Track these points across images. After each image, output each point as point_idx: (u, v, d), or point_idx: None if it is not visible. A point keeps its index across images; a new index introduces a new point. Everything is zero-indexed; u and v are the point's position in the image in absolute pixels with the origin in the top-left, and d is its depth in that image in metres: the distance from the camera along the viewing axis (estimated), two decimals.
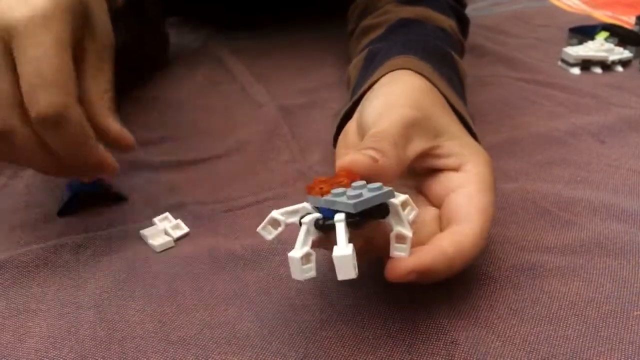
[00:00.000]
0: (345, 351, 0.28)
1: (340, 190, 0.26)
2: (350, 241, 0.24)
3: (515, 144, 0.46)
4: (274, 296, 0.32)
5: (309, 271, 0.25)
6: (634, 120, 0.47)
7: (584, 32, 0.66)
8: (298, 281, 0.32)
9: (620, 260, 0.32)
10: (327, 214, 0.26)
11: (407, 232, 0.26)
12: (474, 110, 0.51)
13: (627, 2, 0.83)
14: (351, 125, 0.37)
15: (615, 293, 0.30)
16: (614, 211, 0.36)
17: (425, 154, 0.32)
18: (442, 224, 0.30)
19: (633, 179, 0.40)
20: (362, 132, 0.34)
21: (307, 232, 0.25)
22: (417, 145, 0.31)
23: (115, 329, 0.30)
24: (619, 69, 0.60)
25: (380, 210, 0.26)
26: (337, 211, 0.25)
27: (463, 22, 0.54)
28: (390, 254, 0.26)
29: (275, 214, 0.27)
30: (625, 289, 0.30)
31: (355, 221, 0.25)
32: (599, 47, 0.60)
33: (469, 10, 0.61)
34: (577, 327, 0.28)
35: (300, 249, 0.25)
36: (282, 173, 0.44)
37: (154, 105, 0.58)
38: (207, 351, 0.29)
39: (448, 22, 0.49)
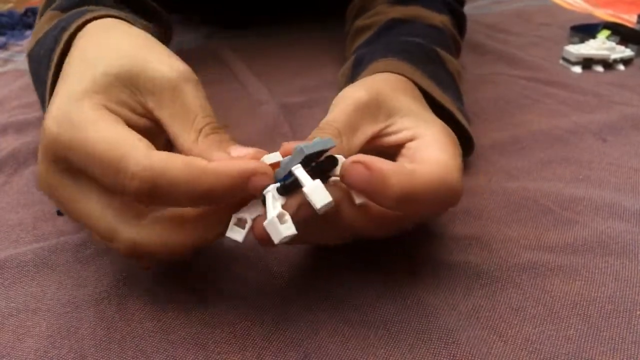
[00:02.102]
0: (346, 351, 0.28)
1: (287, 158, 0.27)
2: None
3: (517, 142, 0.46)
4: (274, 295, 0.31)
5: (288, 229, 0.25)
6: (635, 119, 0.47)
7: (586, 30, 0.66)
8: (298, 281, 0.32)
9: (623, 259, 0.32)
10: (285, 178, 0.26)
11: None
12: (475, 109, 0.51)
13: (629, 1, 0.82)
14: None
15: (618, 292, 0.30)
16: (615, 210, 0.36)
17: (378, 135, 0.31)
18: None
19: (635, 178, 0.39)
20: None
21: (273, 198, 0.26)
22: (367, 129, 0.31)
23: (115, 329, 0.30)
24: (621, 67, 0.59)
25: (329, 162, 0.27)
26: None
27: (458, 18, 0.54)
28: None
29: (237, 214, 0.27)
30: (627, 289, 0.30)
31: (311, 168, 0.26)
32: (600, 46, 0.60)
33: (470, 9, 0.60)
34: (579, 327, 0.28)
35: (272, 213, 0.25)
36: None
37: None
38: (207, 351, 0.28)
39: (440, 19, 0.48)
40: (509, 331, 0.28)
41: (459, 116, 0.38)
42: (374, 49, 0.43)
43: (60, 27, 0.36)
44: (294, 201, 0.26)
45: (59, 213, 0.40)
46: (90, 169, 0.26)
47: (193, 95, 0.29)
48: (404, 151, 0.31)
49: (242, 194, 0.26)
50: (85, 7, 0.39)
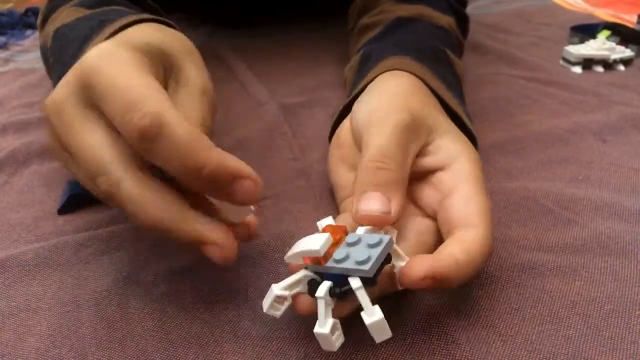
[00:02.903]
0: (346, 350, 0.28)
1: (342, 254, 0.25)
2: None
3: (517, 142, 0.46)
4: None
5: (339, 339, 0.25)
6: (635, 119, 0.47)
7: (586, 30, 0.66)
8: None
9: (622, 259, 0.32)
10: (336, 279, 0.25)
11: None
12: (475, 109, 0.51)
13: (629, 1, 0.82)
14: (344, 126, 0.37)
15: (617, 292, 0.30)
16: (615, 210, 0.36)
17: (416, 154, 0.32)
18: (442, 231, 0.30)
19: (635, 178, 0.40)
20: (355, 135, 0.34)
21: (326, 303, 0.25)
22: (413, 152, 0.31)
23: (116, 328, 0.30)
24: (621, 67, 0.59)
25: (386, 259, 0.26)
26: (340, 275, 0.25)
27: (462, 20, 0.54)
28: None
29: (278, 289, 0.27)
30: (627, 289, 0.30)
31: (371, 280, 0.25)
32: (600, 46, 0.60)
33: (471, 9, 0.60)
34: (579, 327, 0.28)
35: (325, 323, 0.25)
36: (283, 171, 0.44)
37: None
38: (207, 350, 0.28)
39: (446, 20, 0.49)
40: (509, 331, 0.28)
41: (466, 119, 0.38)
42: (383, 46, 0.43)
43: (99, 19, 0.38)
44: (347, 309, 0.27)
45: (60, 212, 0.40)
46: (109, 102, 0.26)
47: (206, 108, 0.31)
48: (432, 179, 0.32)
49: (226, 190, 0.26)
50: (120, 9, 0.42)
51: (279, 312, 0.27)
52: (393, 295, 0.30)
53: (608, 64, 0.59)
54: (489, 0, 0.86)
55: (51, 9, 0.47)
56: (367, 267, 0.24)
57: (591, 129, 0.46)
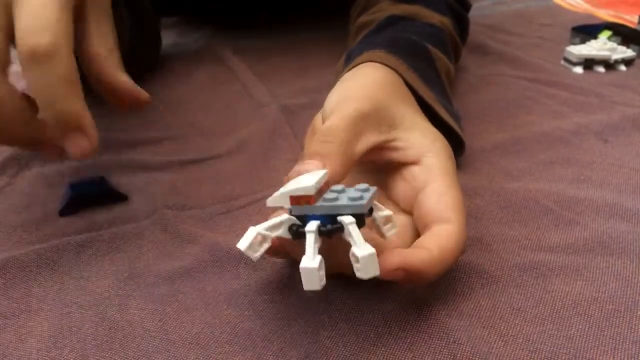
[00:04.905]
0: (346, 350, 0.28)
1: (332, 195, 0.26)
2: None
3: (518, 142, 0.46)
4: (275, 295, 0.32)
5: (323, 278, 0.24)
6: (637, 119, 0.47)
7: (587, 31, 0.66)
8: (299, 281, 0.32)
9: (624, 259, 0.32)
10: (323, 220, 0.25)
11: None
12: (476, 109, 0.51)
13: (630, 1, 0.82)
14: (317, 116, 0.37)
15: (619, 292, 0.30)
16: (617, 210, 0.36)
17: (382, 147, 0.32)
18: (419, 227, 0.30)
19: (636, 178, 0.39)
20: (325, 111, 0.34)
21: (314, 239, 0.25)
22: (369, 139, 0.31)
23: (117, 329, 0.30)
24: (622, 68, 0.59)
25: (369, 210, 0.26)
26: (329, 216, 0.25)
27: (460, 22, 0.54)
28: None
29: (260, 229, 0.26)
30: (628, 288, 0.30)
31: (362, 219, 0.25)
32: (601, 46, 0.60)
33: (472, 9, 0.60)
34: (581, 327, 0.28)
35: (313, 259, 0.24)
36: (284, 171, 0.44)
37: (154, 104, 0.57)
38: (208, 350, 0.28)
39: (438, 18, 0.49)
40: (510, 331, 0.28)
41: (442, 113, 0.38)
42: (365, 44, 0.43)
43: None
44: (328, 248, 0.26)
45: (61, 213, 0.40)
46: (22, 14, 0.29)
47: (113, 27, 0.34)
48: (405, 173, 0.32)
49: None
50: None
51: (256, 253, 0.26)
52: (393, 295, 0.30)
53: (609, 65, 0.59)
54: (490, 1, 0.86)
55: None
56: (362, 202, 0.25)
57: (592, 130, 0.46)
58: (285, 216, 0.26)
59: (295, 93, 0.58)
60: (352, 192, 0.26)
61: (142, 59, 0.64)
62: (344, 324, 0.29)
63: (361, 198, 0.25)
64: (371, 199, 0.26)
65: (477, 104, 0.52)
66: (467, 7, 0.57)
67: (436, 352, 0.27)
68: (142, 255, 0.36)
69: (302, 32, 0.75)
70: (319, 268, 0.24)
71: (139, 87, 0.34)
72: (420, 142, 0.32)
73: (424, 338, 0.28)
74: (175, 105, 0.58)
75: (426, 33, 0.46)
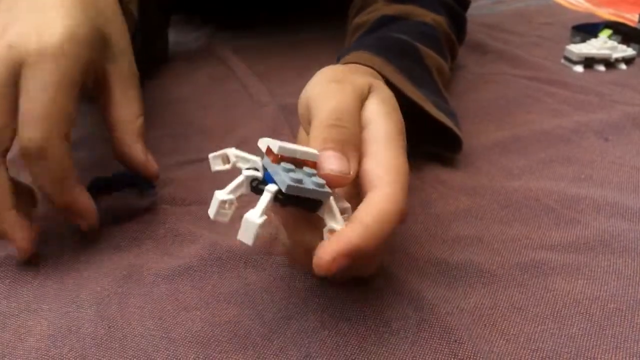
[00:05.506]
0: (347, 350, 0.28)
1: (290, 166, 0.25)
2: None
3: (519, 141, 0.45)
4: (275, 294, 0.31)
5: (258, 237, 0.24)
6: (637, 118, 0.47)
7: (587, 29, 0.66)
8: (299, 280, 0.32)
9: (625, 258, 0.32)
10: (268, 180, 0.26)
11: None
12: (476, 108, 0.51)
13: (631, 0, 0.82)
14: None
15: (620, 291, 0.30)
16: (617, 209, 0.36)
17: None
18: (361, 195, 0.27)
19: (637, 177, 0.39)
20: (303, 115, 0.35)
21: (270, 199, 0.25)
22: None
23: (116, 327, 0.30)
24: (622, 66, 0.59)
25: (310, 203, 0.25)
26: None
27: (456, 21, 0.54)
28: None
29: (222, 195, 0.26)
30: (630, 287, 0.30)
31: (281, 199, 0.25)
32: (602, 45, 0.60)
33: (471, 9, 0.60)
34: (582, 326, 0.28)
35: (260, 214, 0.24)
36: None
37: (154, 103, 0.57)
38: (208, 349, 0.28)
39: (432, 17, 0.48)
40: (511, 329, 0.28)
41: (433, 110, 0.38)
42: (354, 46, 0.43)
43: None
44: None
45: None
46: (27, 100, 0.30)
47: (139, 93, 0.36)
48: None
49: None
50: None
51: (226, 217, 0.26)
52: (393, 294, 0.30)
53: (610, 63, 0.59)
54: (490, 0, 0.86)
55: None
56: (288, 183, 0.24)
57: (593, 128, 0.46)
58: (242, 176, 0.26)
59: (295, 93, 0.57)
60: (299, 176, 0.25)
61: (152, 61, 0.64)
62: (344, 323, 0.29)
63: (299, 181, 0.25)
64: (307, 192, 0.25)
65: (476, 102, 0.52)
66: (464, 6, 0.57)
67: (437, 351, 0.27)
68: (141, 254, 0.36)
69: (302, 32, 0.75)
70: (261, 226, 0.24)
71: (151, 160, 0.37)
72: (371, 109, 0.30)
73: (425, 337, 0.28)
74: (175, 104, 0.57)
75: (418, 32, 0.45)
